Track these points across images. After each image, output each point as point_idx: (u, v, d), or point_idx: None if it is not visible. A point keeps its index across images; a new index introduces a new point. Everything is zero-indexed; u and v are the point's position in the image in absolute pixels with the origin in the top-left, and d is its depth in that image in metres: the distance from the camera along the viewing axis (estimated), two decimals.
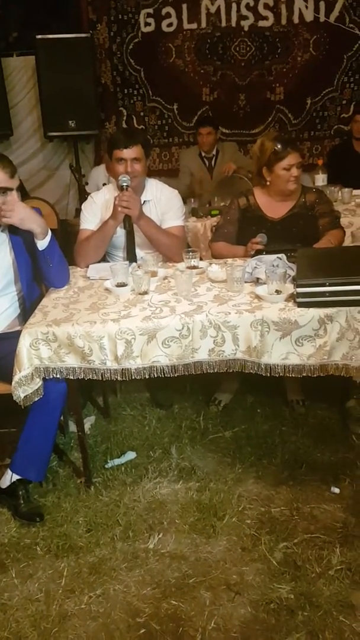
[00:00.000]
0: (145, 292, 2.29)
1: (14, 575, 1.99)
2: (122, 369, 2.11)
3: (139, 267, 2.48)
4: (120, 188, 2.54)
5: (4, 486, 2.28)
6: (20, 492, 2.26)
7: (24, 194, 2.65)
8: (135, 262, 2.64)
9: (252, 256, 2.46)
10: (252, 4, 5.05)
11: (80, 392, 2.46)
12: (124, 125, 5.40)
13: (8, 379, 2.10)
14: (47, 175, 5.36)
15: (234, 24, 5.14)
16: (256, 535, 2.08)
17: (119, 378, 2.12)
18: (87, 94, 4.87)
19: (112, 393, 3.02)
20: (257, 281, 2.27)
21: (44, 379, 2.14)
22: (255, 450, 2.53)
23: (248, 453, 2.51)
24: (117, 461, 2.52)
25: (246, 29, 5.15)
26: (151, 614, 1.81)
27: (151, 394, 2.99)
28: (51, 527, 2.18)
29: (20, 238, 2.30)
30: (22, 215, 2.19)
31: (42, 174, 5.33)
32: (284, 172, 2.66)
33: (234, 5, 5.08)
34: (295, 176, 2.67)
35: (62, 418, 2.54)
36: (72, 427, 2.62)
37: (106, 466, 2.49)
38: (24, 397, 2.09)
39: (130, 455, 2.55)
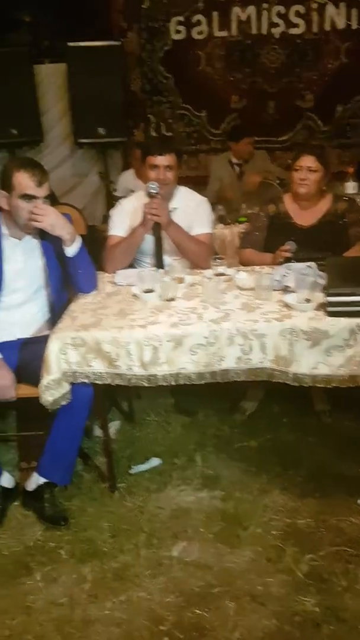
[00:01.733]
0: (172, 299, 2.29)
1: (38, 578, 2.00)
2: (149, 375, 2.10)
3: (166, 273, 2.49)
4: (149, 195, 2.55)
5: (30, 489, 2.30)
6: (46, 495, 2.27)
7: (54, 200, 2.67)
8: (163, 268, 2.64)
9: (281, 264, 2.44)
10: (283, 11, 5.04)
11: (106, 396, 2.47)
12: (153, 133, 5.43)
13: (36, 383, 2.11)
14: (77, 182, 5.41)
15: (264, 31, 5.12)
16: (281, 546, 2.06)
17: (146, 384, 2.12)
18: (116, 101, 4.91)
19: (136, 397, 3.01)
20: (285, 289, 2.25)
21: (71, 384, 2.15)
22: (281, 460, 2.50)
23: (273, 463, 2.49)
24: (141, 467, 2.52)
25: (277, 36, 5.13)
26: (174, 623, 1.80)
27: (175, 401, 2.98)
28: (76, 531, 2.19)
29: (50, 244, 2.33)
30: (53, 221, 2.22)
31: (71, 180, 5.38)
32: (294, 172, 2.71)
33: (265, 13, 5.07)
34: (303, 179, 2.67)
35: (87, 422, 2.54)
36: (97, 431, 2.63)
37: (130, 472, 2.49)
38: (52, 401, 2.10)
39: (155, 461, 2.55)
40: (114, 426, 2.80)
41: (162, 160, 2.58)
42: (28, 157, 2.65)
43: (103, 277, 2.60)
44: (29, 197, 2.20)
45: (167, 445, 2.67)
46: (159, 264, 2.68)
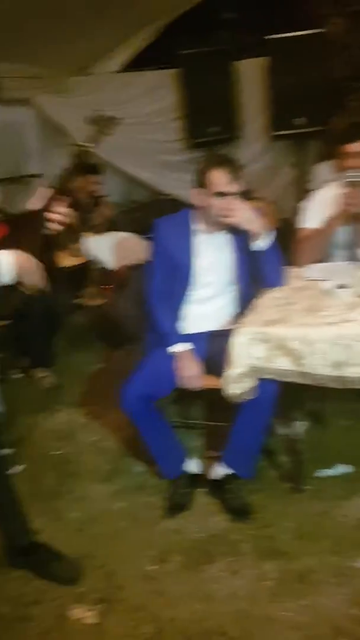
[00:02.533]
0: None
1: (220, 568, 2.03)
2: (337, 376, 1.98)
3: None
4: (349, 184, 2.42)
5: (216, 477, 2.35)
6: (230, 486, 2.30)
7: (248, 194, 2.68)
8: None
9: None
10: None
11: (293, 395, 2.41)
12: (354, 120, 5.16)
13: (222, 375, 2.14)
14: (271, 174, 5.38)
15: None
16: None
17: (333, 386, 2.01)
18: (316, 91, 4.76)
19: (325, 399, 2.88)
20: None
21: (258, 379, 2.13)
22: None
23: None
24: (327, 472, 2.41)
25: None
26: (359, 637, 1.69)
27: None
28: (258, 526, 2.18)
29: (241, 238, 2.34)
30: (244, 216, 2.22)
31: (266, 173, 5.36)
32: None
33: None
34: None
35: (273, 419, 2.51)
36: (282, 429, 2.58)
37: (315, 475, 2.40)
38: (235, 394, 2.10)
39: (343, 468, 2.42)
40: (300, 426, 2.72)
41: (357, 146, 2.45)
42: (223, 154, 2.69)
43: (291, 271, 2.53)
44: (222, 194, 2.23)
45: (357, 452, 2.52)
46: (355, 257, 2.53)
